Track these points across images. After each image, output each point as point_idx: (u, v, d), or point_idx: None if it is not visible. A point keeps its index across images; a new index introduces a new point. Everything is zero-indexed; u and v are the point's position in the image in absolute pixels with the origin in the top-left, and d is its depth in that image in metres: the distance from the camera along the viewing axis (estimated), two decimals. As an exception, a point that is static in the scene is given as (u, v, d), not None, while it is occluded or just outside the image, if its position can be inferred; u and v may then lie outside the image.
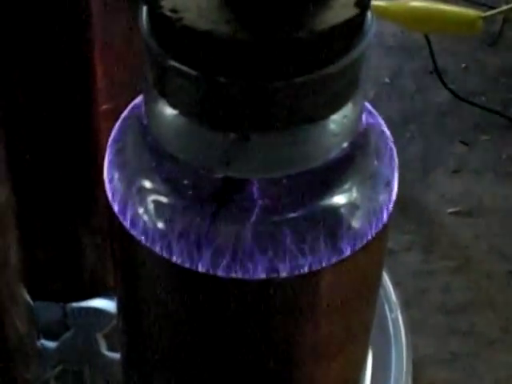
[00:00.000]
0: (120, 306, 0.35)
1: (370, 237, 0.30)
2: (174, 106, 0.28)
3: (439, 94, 1.00)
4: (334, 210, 0.29)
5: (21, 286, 0.41)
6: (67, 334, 0.51)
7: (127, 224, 0.30)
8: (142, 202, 0.29)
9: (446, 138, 0.96)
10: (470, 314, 0.77)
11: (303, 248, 0.28)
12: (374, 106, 0.32)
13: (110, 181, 0.31)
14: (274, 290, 0.29)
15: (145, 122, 0.30)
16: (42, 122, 0.42)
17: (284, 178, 0.28)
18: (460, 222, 0.86)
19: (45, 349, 0.50)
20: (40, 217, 0.45)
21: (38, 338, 0.48)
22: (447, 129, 0.97)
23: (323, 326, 0.32)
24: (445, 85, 0.99)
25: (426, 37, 0.97)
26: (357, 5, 0.27)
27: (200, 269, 0.29)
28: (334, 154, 0.29)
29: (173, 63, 0.27)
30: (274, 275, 0.28)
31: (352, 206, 0.29)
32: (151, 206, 0.29)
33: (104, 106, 0.42)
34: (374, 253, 0.31)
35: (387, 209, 0.30)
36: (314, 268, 0.29)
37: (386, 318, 0.52)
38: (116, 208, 0.30)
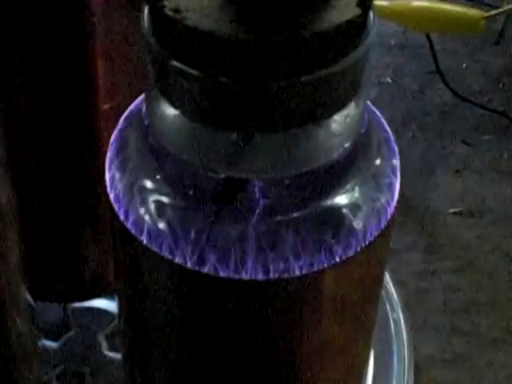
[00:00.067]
0: (121, 307, 0.35)
1: (372, 237, 0.30)
2: (175, 105, 0.28)
3: (441, 94, 1.00)
4: (337, 210, 0.29)
5: (22, 287, 0.41)
6: (68, 335, 0.51)
7: (128, 224, 0.30)
8: (144, 202, 0.29)
9: (447, 138, 0.96)
10: (472, 314, 0.77)
11: (305, 248, 0.28)
12: (375, 105, 0.32)
13: (112, 181, 0.31)
14: (276, 291, 0.29)
15: (146, 121, 0.30)
16: (42, 121, 0.42)
17: (286, 178, 0.28)
18: (462, 222, 0.86)
19: (46, 349, 0.50)
20: (41, 217, 0.45)
21: (39, 339, 0.48)
22: (449, 129, 0.97)
23: (325, 326, 0.31)
24: (446, 84, 0.99)
25: (428, 36, 0.97)
26: (359, 5, 0.27)
27: (201, 269, 0.28)
28: (336, 154, 0.29)
29: (174, 63, 0.27)
30: (276, 276, 0.28)
31: (354, 207, 0.29)
32: (152, 206, 0.29)
33: (105, 106, 0.42)
34: (376, 253, 0.31)
35: (389, 209, 0.30)
36: (316, 268, 0.29)
37: (387, 318, 0.52)
38: (117, 208, 0.30)
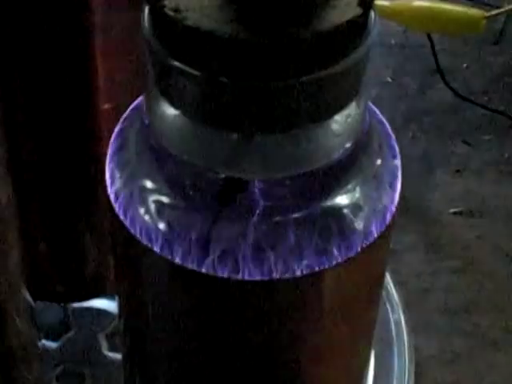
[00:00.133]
0: (121, 307, 0.35)
1: (373, 237, 0.30)
2: (175, 105, 0.28)
3: (441, 94, 1.00)
4: (338, 210, 0.29)
5: (22, 287, 0.41)
6: (68, 335, 0.51)
7: (128, 224, 0.30)
8: (144, 202, 0.29)
9: (448, 138, 0.96)
10: (472, 315, 0.77)
11: (306, 249, 0.28)
12: (375, 105, 0.32)
13: (112, 181, 0.31)
14: (276, 291, 0.29)
15: (146, 121, 0.30)
16: (43, 121, 0.42)
17: (287, 179, 0.28)
18: (462, 222, 0.86)
19: (46, 349, 0.50)
20: (41, 217, 0.45)
21: (40, 339, 0.48)
22: (449, 128, 0.97)
23: (326, 326, 0.31)
24: (447, 84, 0.99)
25: (429, 36, 0.96)
26: (360, 4, 0.27)
27: (201, 269, 0.28)
28: (337, 154, 0.29)
29: (175, 63, 0.27)
30: (277, 276, 0.28)
31: (355, 207, 0.29)
32: (152, 206, 0.29)
33: (105, 106, 0.41)
34: (377, 253, 0.31)
35: (391, 209, 0.30)
36: (318, 269, 0.29)
37: (388, 318, 0.52)
38: (117, 208, 0.30)
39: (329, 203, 0.29)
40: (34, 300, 0.45)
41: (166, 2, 0.26)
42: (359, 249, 0.29)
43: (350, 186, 0.29)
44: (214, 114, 0.27)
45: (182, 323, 0.31)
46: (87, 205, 0.44)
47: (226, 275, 0.28)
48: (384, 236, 0.30)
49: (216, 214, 0.28)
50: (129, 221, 0.30)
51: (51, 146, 0.42)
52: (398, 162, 0.32)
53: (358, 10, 0.27)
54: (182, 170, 0.29)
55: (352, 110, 0.28)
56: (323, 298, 0.30)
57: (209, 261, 0.28)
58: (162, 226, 0.29)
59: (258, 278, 0.28)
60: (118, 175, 0.31)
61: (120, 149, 0.31)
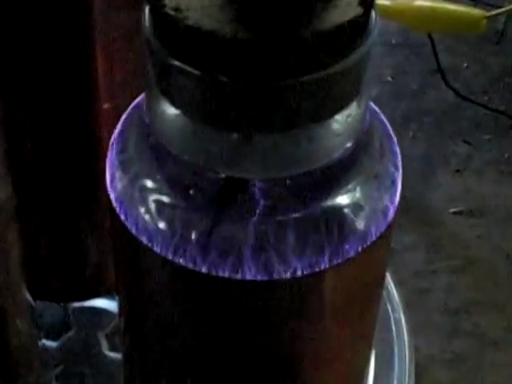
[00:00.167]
0: (121, 306, 0.35)
1: (373, 237, 0.30)
2: (176, 105, 0.28)
3: (442, 93, 1.00)
4: (338, 210, 0.29)
5: (22, 286, 0.41)
6: (68, 334, 0.51)
7: (128, 224, 0.30)
8: (144, 202, 0.29)
9: (448, 138, 0.96)
10: (473, 314, 0.77)
11: (307, 249, 0.28)
12: (376, 104, 0.32)
13: (112, 180, 0.31)
14: (276, 291, 0.29)
15: (147, 121, 0.30)
16: (43, 121, 0.42)
17: (287, 179, 0.28)
18: (463, 222, 0.86)
19: (46, 349, 0.50)
20: (41, 216, 0.45)
21: (39, 338, 0.48)
22: (450, 128, 0.97)
23: (327, 326, 0.31)
24: (447, 84, 0.99)
25: (429, 35, 0.96)
26: (361, 4, 0.27)
27: (202, 269, 0.28)
28: (337, 153, 0.29)
29: (175, 62, 0.26)
30: (277, 276, 0.28)
31: (356, 207, 0.29)
32: (153, 206, 0.29)
33: (105, 105, 0.41)
34: (377, 253, 0.31)
35: (391, 209, 0.30)
36: (318, 269, 0.29)
37: (388, 318, 0.52)
38: (117, 208, 0.30)
39: (329, 203, 0.29)
40: (34, 299, 0.44)
41: (167, 2, 0.26)
42: (360, 249, 0.29)
43: (350, 186, 0.29)
44: (215, 113, 0.27)
45: (181, 323, 0.31)
46: (87, 204, 0.44)
47: (226, 275, 0.28)
48: (385, 236, 0.30)
49: (216, 213, 0.28)
50: (129, 220, 0.30)
51: (51, 146, 0.42)
52: (398, 161, 0.32)
53: (359, 10, 0.27)
54: (183, 169, 0.29)
55: (353, 109, 0.28)
56: (324, 297, 0.30)
57: (209, 261, 0.28)
58: (162, 225, 0.29)
59: (258, 277, 0.28)
60: (118, 175, 0.31)
61: (120, 148, 0.31)
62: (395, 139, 0.32)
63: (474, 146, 0.95)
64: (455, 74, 1.02)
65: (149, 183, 0.29)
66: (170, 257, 0.29)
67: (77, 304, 0.51)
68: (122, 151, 0.31)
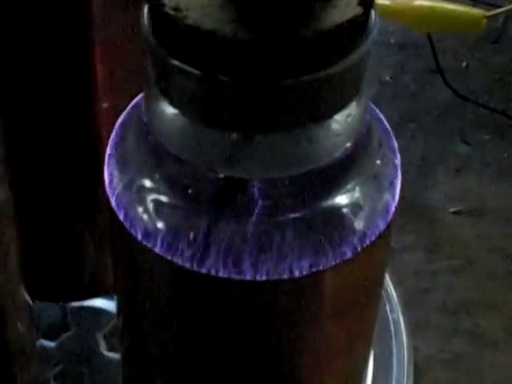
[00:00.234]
0: (120, 306, 0.35)
1: (373, 237, 0.30)
2: (175, 105, 0.28)
3: (441, 93, 1.00)
4: (337, 210, 0.29)
5: (20, 286, 0.41)
6: (67, 334, 0.51)
7: (127, 223, 0.30)
8: (142, 202, 0.29)
9: (447, 137, 0.96)
10: (472, 314, 0.77)
11: (306, 249, 0.28)
12: (375, 104, 0.32)
13: (110, 180, 0.31)
14: (275, 292, 0.29)
15: (145, 120, 0.30)
16: (41, 120, 0.41)
17: (286, 179, 0.28)
18: (462, 222, 0.86)
19: (44, 349, 0.50)
20: (40, 216, 0.45)
21: (38, 338, 0.48)
22: (449, 128, 0.97)
23: (325, 327, 0.31)
24: (447, 83, 0.99)
25: (428, 35, 0.96)
26: (361, 4, 0.27)
27: (200, 269, 0.28)
28: (337, 153, 0.29)
29: (175, 62, 0.26)
30: (276, 277, 0.28)
31: (355, 207, 0.29)
32: (151, 206, 0.29)
33: (104, 105, 0.41)
34: (377, 254, 0.31)
35: (391, 209, 0.30)
36: (317, 269, 0.28)
37: (387, 318, 0.52)
38: (116, 207, 0.30)
39: (329, 203, 0.29)
40: (33, 299, 0.44)
41: (166, 1, 0.26)
42: (359, 249, 0.29)
43: (349, 186, 0.29)
44: (214, 113, 0.27)
45: (180, 323, 0.31)
46: (86, 204, 0.44)
47: (225, 275, 0.28)
48: (384, 236, 0.30)
49: (215, 213, 0.28)
50: (128, 220, 0.30)
51: (50, 146, 0.42)
52: (398, 161, 0.32)
53: (359, 10, 0.26)
54: (182, 169, 0.29)
55: (352, 109, 0.28)
56: (323, 298, 0.30)
57: (208, 261, 0.28)
58: (161, 225, 0.29)
59: (257, 278, 0.28)
60: (116, 174, 0.30)
61: (119, 148, 0.31)
62: (394, 139, 0.32)
63: (474, 145, 0.95)
64: (454, 73, 1.02)
65: (147, 183, 0.29)
66: (168, 257, 0.29)
67: (75, 304, 0.51)
68: (120, 150, 0.31)
